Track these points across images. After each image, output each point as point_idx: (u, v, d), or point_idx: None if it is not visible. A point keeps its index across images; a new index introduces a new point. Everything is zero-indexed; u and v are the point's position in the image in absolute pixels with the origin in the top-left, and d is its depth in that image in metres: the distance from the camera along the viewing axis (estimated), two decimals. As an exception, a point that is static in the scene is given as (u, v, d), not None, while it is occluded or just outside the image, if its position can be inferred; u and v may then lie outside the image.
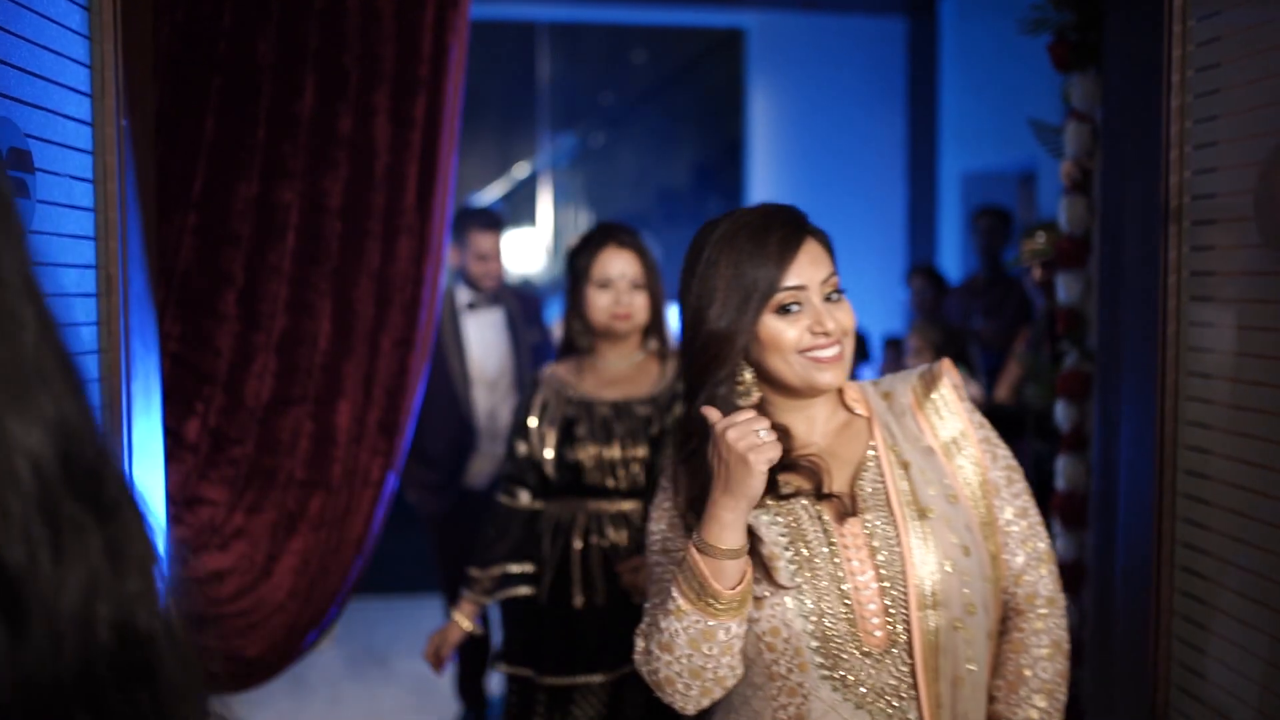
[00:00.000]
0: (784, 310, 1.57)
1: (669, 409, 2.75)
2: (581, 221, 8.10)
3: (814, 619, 1.53)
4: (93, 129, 1.87)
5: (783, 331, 1.57)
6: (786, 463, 1.59)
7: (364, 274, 2.52)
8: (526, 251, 8.20)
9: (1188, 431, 2.12)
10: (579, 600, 2.75)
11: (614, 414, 2.77)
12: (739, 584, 1.50)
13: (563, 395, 2.82)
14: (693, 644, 1.52)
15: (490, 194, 7.85)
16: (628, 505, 2.76)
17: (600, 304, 2.77)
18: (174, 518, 2.46)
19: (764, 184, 7.36)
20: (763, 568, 1.55)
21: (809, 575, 1.54)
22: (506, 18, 7.45)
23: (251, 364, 2.47)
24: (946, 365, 1.70)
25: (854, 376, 6.03)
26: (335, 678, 5.07)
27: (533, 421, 2.82)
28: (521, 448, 2.83)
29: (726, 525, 1.48)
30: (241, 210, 2.44)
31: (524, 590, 2.80)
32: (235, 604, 2.49)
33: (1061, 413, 2.91)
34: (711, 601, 1.50)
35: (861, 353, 5.50)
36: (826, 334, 1.57)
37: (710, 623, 1.50)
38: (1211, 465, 2.05)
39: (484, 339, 4.27)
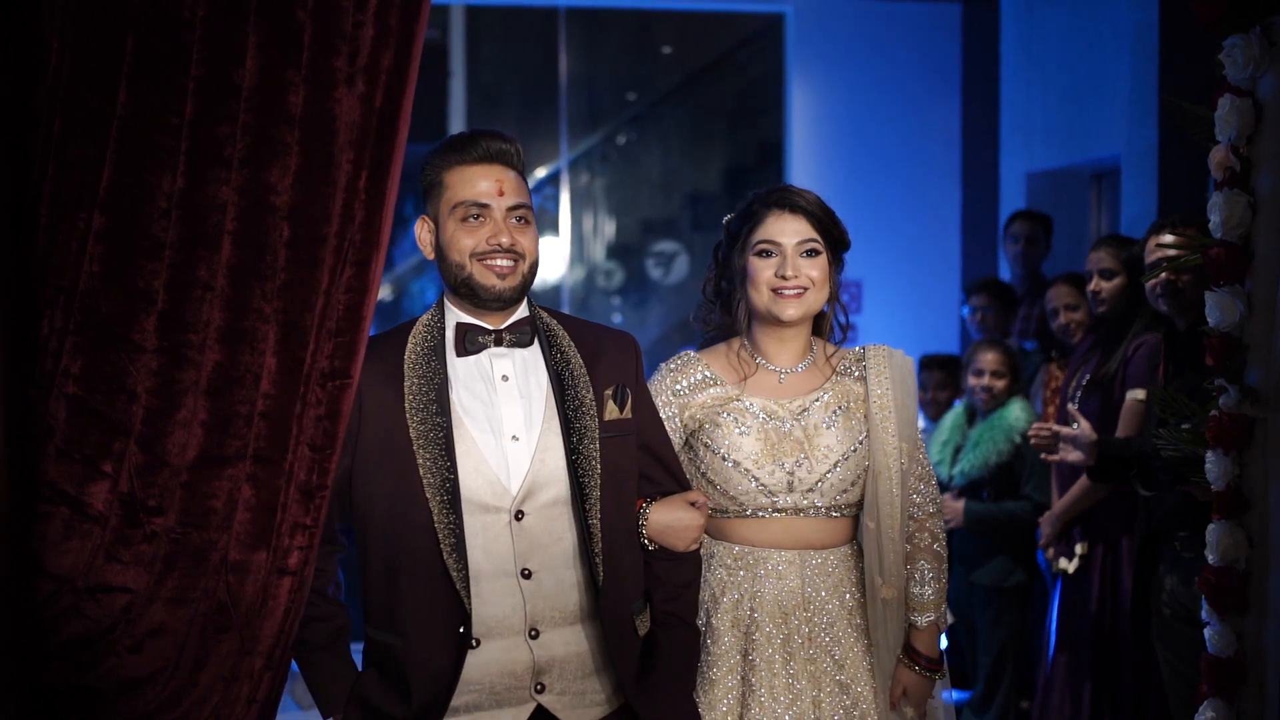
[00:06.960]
0: None
1: None
2: (605, 229, 7.72)
3: None
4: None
5: None
6: None
7: (319, 293, 1.96)
8: (545, 260, 7.75)
9: None
10: None
11: None
12: None
13: None
14: None
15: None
16: None
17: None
18: (71, 608, 1.91)
19: (804, 187, 6.89)
20: None
21: None
22: (525, 3, 7.10)
23: (175, 411, 1.94)
24: None
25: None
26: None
27: None
28: None
29: None
30: (163, 210, 1.93)
31: None
32: (153, 725, 1.93)
33: (1214, 467, 2.32)
34: None
35: None
36: None
37: None
38: None
39: None
